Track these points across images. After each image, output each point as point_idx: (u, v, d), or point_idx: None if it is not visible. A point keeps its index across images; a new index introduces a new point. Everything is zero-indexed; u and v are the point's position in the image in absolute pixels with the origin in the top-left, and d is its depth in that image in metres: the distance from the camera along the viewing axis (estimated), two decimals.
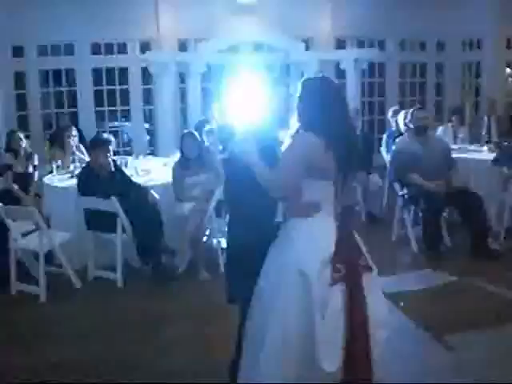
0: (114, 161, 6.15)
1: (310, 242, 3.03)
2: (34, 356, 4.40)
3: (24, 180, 7.08)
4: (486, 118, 9.11)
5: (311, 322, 2.94)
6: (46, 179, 6.84)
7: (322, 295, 2.95)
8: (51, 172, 7.06)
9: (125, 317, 5.09)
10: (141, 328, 4.84)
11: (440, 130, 8.83)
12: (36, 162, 7.47)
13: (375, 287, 3.16)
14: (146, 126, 10.87)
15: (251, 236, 3.17)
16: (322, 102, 3.11)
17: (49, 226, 5.84)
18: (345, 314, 2.99)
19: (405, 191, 6.66)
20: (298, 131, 3.12)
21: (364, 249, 3.19)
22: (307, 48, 10.66)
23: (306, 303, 2.96)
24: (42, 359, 4.32)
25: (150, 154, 10.20)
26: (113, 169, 6.03)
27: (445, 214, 6.68)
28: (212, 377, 3.79)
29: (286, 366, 3.00)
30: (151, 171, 6.92)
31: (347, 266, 3.02)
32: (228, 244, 3.51)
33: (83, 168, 6.08)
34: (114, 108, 10.35)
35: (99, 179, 5.80)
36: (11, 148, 7.36)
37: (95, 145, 6.08)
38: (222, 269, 5.76)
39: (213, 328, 4.63)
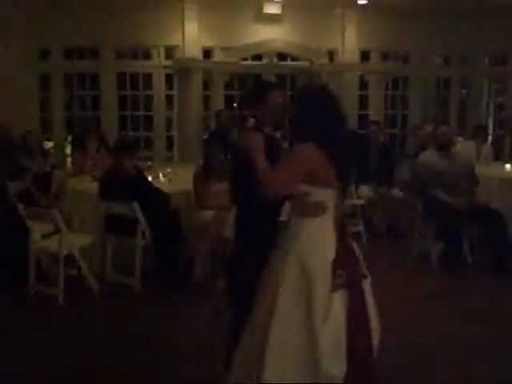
0: (136, 166, 6.16)
1: (313, 243, 3.11)
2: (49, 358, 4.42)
3: (42, 181, 7.11)
4: (509, 135, 9.05)
5: (312, 326, 2.99)
6: (68, 181, 6.87)
7: (323, 299, 3.00)
8: (73, 175, 7.10)
9: (139, 323, 5.10)
10: (154, 335, 4.83)
11: (461, 145, 8.77)
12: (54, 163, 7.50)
13: (370, 295, 3.24)
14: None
15: (254, 233, 3.29)
16: (320, 112, 3.14)
17: (69, 228, 5.87)
18: (346, 319, 3.05)
19: (427, 206, 6.61)
20: (296, 141, 3.17)
21: (361, 257, 3.26)
22: (331, 59, 10.66)
23: (307, 305, 3.01)
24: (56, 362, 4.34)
25: (171, 160, 10.30)
26: (135, 174, 6.04)
27: (466, 231, 6.61)
28: None
29: (289, 368, 3.05)
30: (173, 177, 6.92)
31: (347, 272, 3.08)
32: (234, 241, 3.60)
33: (106, 172, 6.08)
34: (137, 113, 10.38)
35: (121, 183, 5.80)
36: (26, 149, 7.38)
37: (119, 149, 6.10)
38: None
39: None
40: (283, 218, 3.31)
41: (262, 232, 3.28)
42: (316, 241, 3.11)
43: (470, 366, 4.23)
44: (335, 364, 3.00)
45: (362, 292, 3.16)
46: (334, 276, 3.02)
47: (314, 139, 3.05)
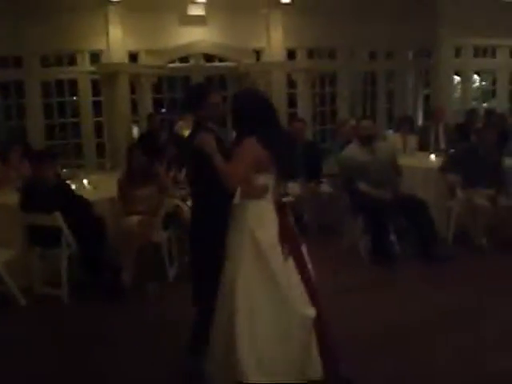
0: (58, 174, 6.04)
1: (260, 219, 3.67)
2: None
3: None
4: (434, 127, 9.25)
5: (277, 289, 3.56)
6: None
7: (279, 266, 3.60)
8: None
9: (70, 334, 5.02)
10: (85, 346, 4.74)
11: (388, 137, 8.94)
12: None
13: (307, 257, 3.84)
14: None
15: (214, 220, 3.76)
16: (257, 112, 3.74)
17: None
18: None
19: (353, 200, 6.71)
20: (241, 136, 3.70)
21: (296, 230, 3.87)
22: (258, 58, 10.71)
23: (266, 272, 3.57)
24: None
25: (102, 166, 10.16)
26: (56, 182, 5.91)
27: (393, 222, 6.73)
28: None
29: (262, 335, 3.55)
30: (98, 184, 6.82)
31: (291, 242, 3.70)
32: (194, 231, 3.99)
33: (25, 182, 5.94)
34: (64, 121, 10.20)
35: (42, 193, 5.66)
36: None
37: (38, 158, 5.97)
38: (172, 280, 5.95)
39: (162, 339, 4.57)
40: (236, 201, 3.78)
41: (222, 216, 3.73)
42: (262, 217, 3.68)
43: (406, 355, 4.32)
44: (308, 308, 3.62)
45: (303, 257, 3.78)
46: (282, 246, 3.63)
47: (253, 135, 3.62)
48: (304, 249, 3.85)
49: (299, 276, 3.67)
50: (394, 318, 4.99)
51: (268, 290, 3.57)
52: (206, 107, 3.90)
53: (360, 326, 4.72)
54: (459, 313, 5.06)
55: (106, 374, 4.26)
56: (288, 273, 3.63)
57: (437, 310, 5.12)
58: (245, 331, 3.50)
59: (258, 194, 3.70)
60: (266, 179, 3.71)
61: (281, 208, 3.78)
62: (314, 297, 3.70)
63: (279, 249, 3.63)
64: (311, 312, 3.62)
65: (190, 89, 4.58)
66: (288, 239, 3.70)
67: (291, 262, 3.68)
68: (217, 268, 3.69)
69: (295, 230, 3.88)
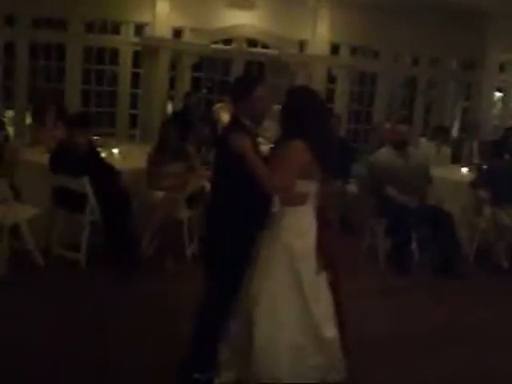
0: (90, 140, 6.07)
1: (298, 229, 3.46)
2: None
3: None
4: (469, 140, 9.16)
5: (303, 302, 3.40)
6: (21, 152, 6.75)
7: (311, 280, 3.41)
8: (29, 146, 6.98)
9: (84, 298, 5.05)
10: (97, 311, 4.78)
11: (422, 144, 8.85)
12: (10, 132, 7.30)
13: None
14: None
15: (238, 223, 3.47)
16: (309, 112, 3.49)
17: (19, 200, 5.78)
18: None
19: (379, 203, 6.67)
20: (288, 135, 3.47)
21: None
22: (301, 49, 10.66)
23: (296, 285, 3.40)
24: None
25: (134, 137, 10.22)
26: (87, 149, 5.96)
27: (416, 230, 6.68)
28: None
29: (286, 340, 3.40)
30: (128, 155, 6.86)
31: (328, 256, 3.51)
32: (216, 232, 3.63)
33: (57, 145, 5.99)
34: (101, 89, 10.25)
35: (72, 158, 5.71)
36: None
37: (72, 123, 6.01)
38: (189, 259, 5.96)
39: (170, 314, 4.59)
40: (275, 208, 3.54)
41: (248, 220, 3.49)
42: (299, 225, 3.48)
43: (415, 364, 4.30)
44: (331, 328, 3.48)
45: (338, 273, 3.60)
46: (318, 260, 3.45)
47: (302, 137, 3.37)
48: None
49: (330, 293, 3.53)
50: (397, 326, 4.96)
51: (294, 302, 3.42)
52: (249, 101, 3.56)
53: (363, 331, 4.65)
54: (464, 328, 5.03)
55: (114, 339, 4.31)
56: (318, 288, 3.47)
57: (441, 324, 5.09)
58: (264, 335, 3.37)
59: (299, 200, 3.47)
60: (308, 186, 3.47)
61: (323, 216, 3.59)
62: (341, 315, 3.58)
63: (313, 261, 3.46)
64: (332, 334, 3.49)
65: (239, 78, 4.29)
66: (326, 252, 3.50)
67: (324, 277, 3.52)
68: (232, 270, 3.50)
69: (335, 241, 3.70)
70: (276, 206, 3.50)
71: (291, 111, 3.55)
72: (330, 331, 3.48)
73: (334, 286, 3.56)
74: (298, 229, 3.48)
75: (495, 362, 4.45)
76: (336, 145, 4.16)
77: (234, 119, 3.66)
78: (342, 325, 3.60)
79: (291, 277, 3.40)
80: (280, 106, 3.61)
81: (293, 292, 3.40)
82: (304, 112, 3.48)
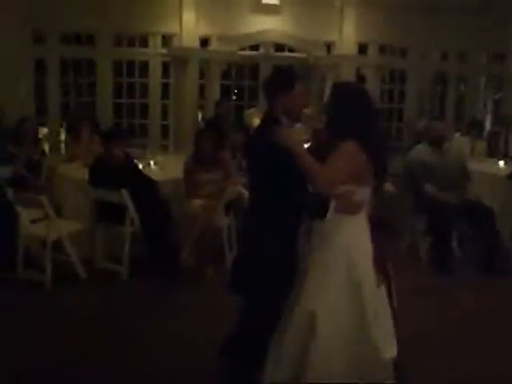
0: (126, 153, 6.14)
1: (357, 239, 3.23)
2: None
3: (34, 167, 7.05)
4: (504, 132, 9.03)
5: (363, 320, 3.15)
6: (59, 168, 6.86)
7: (372, 294, 3.19)
8: (66, 161, 7.08)
9: (125, 309, 5.11)
10: (138, 322, 4.84)
11: (456, 140, 8.73)
12: (45, 149, 7.39)
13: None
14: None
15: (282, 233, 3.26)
16: (360, 110, 3.24)
17: (60, 215, 5.88)
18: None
19: (418, 201, 6.61)
20: (338, 136, 3.19)
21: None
22: (329, 51, 10.63)
23: (357, 300, 3.16)
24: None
25: (167, 148, 10.28)
26: (125, 161, 6.02)
27: (456, 227, 6.60)
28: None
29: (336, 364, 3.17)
30: (164, 165, 6.91)
31: (383, 266, 3.31)
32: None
33: (95, 159, 6.07)
34: (132, 101, 10.34)
35: (111, 171, 5.78)
36: (19, 135, 7.23)
37: (108, 136, 6.09)
38: (229, 267, 5.84)
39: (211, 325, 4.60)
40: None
41: (293, 231, 3.30)
42: (359, 236, 3.25)
43: (458, 362, 4.25)
44: (388, 350, 3.23)
45: (392, 284, 3.42)
46: (377, 271, 3.23)
47: (354, 137, 3.12)
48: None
49: (389, 306, 3.34)
50: (438, 324, 4.93)
51: (353, 316, 3.18)
52: (288, 97, 3.34)
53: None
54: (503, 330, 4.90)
55: (152, 350, 4.35)
56: (377, 301, 3.25)
57: (479, 323, 5.00)
58: (323, 351, 3.17)
59: (356, 209, 3.23)
60: (365, 193, 3.24)
61: (376, 226, 3.37)
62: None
63: (373, 274, 3.23)
64: (390, 353, 3.27)
65: (275, 72, 4.03)
66: (382, 264, 3.30)
67: (383, 290, 3.30)
68: (276, 276, 3.31)
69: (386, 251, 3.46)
70: (330, 214, 3.17)
71: (341, 109, 3.26)
72: (390, 352, 3.26)
73: (391, 297, 3.39)
74: (357, 239, 3.24)
75: None
76: (387, 147, 3.78)
77: (269, 117, 3.43)
78: None
79: (351, 290, 3.17)
80: (311, 109, 3.54)
81: (353, 306, 3.17)
82: (357, 110, 3.22)
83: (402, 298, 5.10)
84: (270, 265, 3.31)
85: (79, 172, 6.44)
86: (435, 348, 4.47)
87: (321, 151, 3.27)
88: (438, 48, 11.42)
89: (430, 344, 4.50)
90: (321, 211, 3.14)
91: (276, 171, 3.23)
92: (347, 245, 3.20)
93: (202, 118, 10.32)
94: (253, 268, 3.43)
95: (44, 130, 9.69)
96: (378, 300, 3.22)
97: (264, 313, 3.38)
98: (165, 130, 10.46)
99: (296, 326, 3.23)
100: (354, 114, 3.20)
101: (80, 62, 9.95)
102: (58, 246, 5.70)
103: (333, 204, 3.13)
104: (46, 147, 8.87)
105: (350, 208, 3.20)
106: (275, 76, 3.66)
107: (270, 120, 3.39)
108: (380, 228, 3.42)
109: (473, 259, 6.42)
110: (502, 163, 7.85)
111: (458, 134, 10.12)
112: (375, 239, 3.31)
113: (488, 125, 11.90)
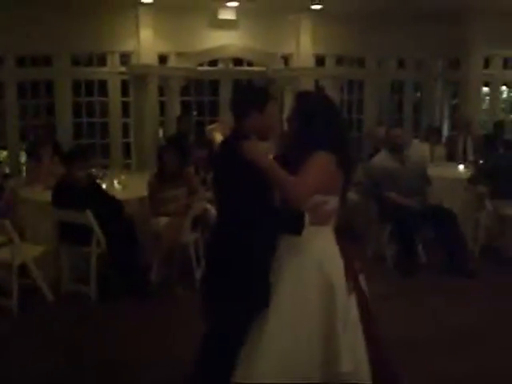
0: (89, 174, 6.10)
1: (328, 250, 3.14)
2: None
3: None
4: (461, 137, 9.22)
5: (333, 331, 3.04)
6: (21, 191, 6.78)
7: (343, 304, 3.09)
8: (27, 184, 6.99)
9: (95, 331, 5.07)
10: (111, 343, 4.80)
11: (415, 146, 8.88)
12: (7, 172, 7.31)
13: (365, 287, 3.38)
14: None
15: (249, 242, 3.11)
16: (329, 120, 3.15)
17: (23, 238, 5.80)
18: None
19: (381, 208, 6.70)
20: (308, 145, 3.09)
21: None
22: (286, 64, 10.73)
23: (328, 310, 3.05)
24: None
25: (129, 167, 10.22)
26: (88, 182, 5.98)
27: (420, 231, 6.70)
28: None
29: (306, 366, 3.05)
30: (128, 184, 6.88)
31: (353, 276, 3.22)
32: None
33: (58, 181, 6.00)
34: (92, 120, 10.27)
35: (74, 192, 5.73)
36: None
37: (70, 158, 6.03)
38: (198, 284, 5.81)
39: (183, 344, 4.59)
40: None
41: (265, 246, 3.16)
42: (328, 247, 3.16)
43: (429, 362, 4.32)
44: (350, 362, 3.05)
45: (362, 290, 3.31)
46: (347, 278, 3.13)
47: (324, 148, 3.06)
48: (362, 277, 3.36)
49: (358, 313, 3.19)
50: (407, 329, 4.95)
51: (321, 324, 3.06)
52: (260, 116, 3.20)
53: None
54: (471, 333, 4.94)
55: (123, 372, 4.31)
56: (348, 310, 3.13)
57: (448, 327, 5.06)
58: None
59: (327, 219, 3.15)
60: (335, 202, 3.14)
61: (340, 234, 3.25)
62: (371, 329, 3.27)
63: (345, 284, 3.12)
64: (348, 367, 3.05)
65: (246, 90, 3.95)
66: (351, 272, 3.20)
67: (353, 299, 3.19)
68: (238, 291, 3.16)
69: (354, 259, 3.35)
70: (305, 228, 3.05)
71: (308, 121, 3.15)
72: (348, 366, 3.06)
73: (363, 304, 3.25)
74: (328, 250, 3.15)
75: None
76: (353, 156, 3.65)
77: (237, 134, 3.25)
78: (374, 339, 3.28)
79: (326, 300, 3.06)
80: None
81: (324, 318, 3.05)
82: (325, 120, 3.13)
83: (373, 303, 5.25)
84: (240, 281, 3.18)
85: (41, 195, 6.37)
86: (407, 350, 4.50)
87: (288, 155, 3.24)
88: (395, 56, 11.62)
89: (400, 346, 4.55)
90: (297, 227, 3.04)
91: (243, 185, 3.11)
92: (320, 257, 3.10)
93: (164, 134, 10.31)
94: (221, 284, 3.28)
95: (3, 154, 9.57)
96: (348, 308, 3.13)
97: (230, 333, 3.23)
98: (126, 149, 10.40)
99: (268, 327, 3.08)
100: (322, 124, 3.12)
101: (38, 83, 9.86)
102: (23, 270, 5.61)
103: (307, 218, 3.02)
104: (7, 170, 8.76)
105: (321, 218, 3.09)
106: (247, 94, 3.48)
107: (238, 137, 3.21)
108: (346, 234, 3.36)
109: (438, 263, 6.51)
110: (461, 167, 8.02)
111: (416, 141, 10.31)
112: (342, 245, 3.21)
113: (446, 130, 12.13)
